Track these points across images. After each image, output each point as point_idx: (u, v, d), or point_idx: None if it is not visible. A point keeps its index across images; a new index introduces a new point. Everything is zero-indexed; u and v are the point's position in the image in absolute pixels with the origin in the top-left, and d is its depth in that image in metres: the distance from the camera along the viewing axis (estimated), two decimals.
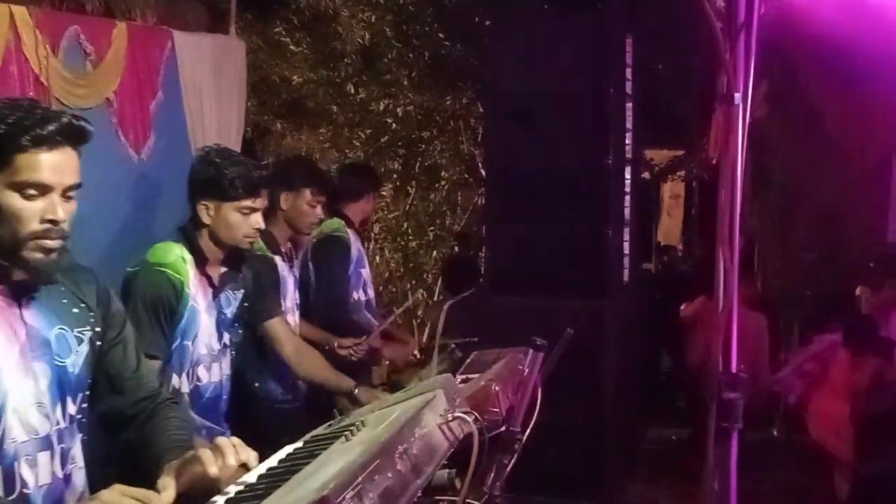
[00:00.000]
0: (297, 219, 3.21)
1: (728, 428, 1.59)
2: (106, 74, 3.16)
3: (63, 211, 1.44)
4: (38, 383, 1.47)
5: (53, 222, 1.43)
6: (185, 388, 2.37)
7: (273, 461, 1.45)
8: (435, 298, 6.57)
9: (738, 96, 1.45)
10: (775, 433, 4.87)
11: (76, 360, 1.54)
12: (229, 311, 2.51)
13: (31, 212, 1.42)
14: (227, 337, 2.51)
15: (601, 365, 3.89)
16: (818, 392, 3.62)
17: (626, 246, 4.26)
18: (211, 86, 3.77)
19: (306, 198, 3.17)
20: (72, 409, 1.54)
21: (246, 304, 2.61)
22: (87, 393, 1.59)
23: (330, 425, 1.65)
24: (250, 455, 1.41)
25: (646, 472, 4.66)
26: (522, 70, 3.97)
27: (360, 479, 1.12)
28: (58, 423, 1.50)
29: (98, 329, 1.60)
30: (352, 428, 1.42)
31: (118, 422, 1.66)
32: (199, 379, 2.41)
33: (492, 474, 1.75)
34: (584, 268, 3.92)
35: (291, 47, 6.45)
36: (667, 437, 5.16)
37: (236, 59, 4.01)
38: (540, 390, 2.18)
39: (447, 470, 1.40)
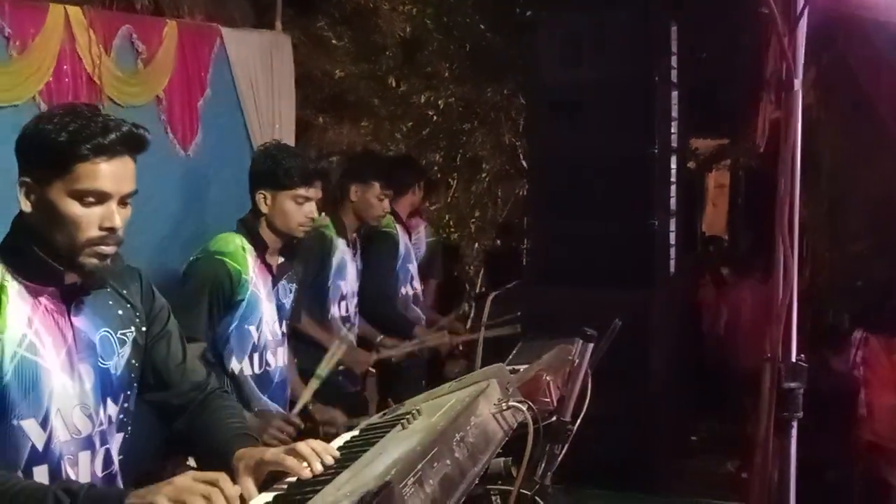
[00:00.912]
0: (365, 210, 3.37)
1: (788, 418, 1.57)
2: (156, 73, 3.22)
3: (120, 218, 1.46)
4: (82, 385, 1.49)
5: (111, 230, 1.45)
6: (249, 372, 2.45)
7: (339, 442, 1.48)
8: (477, 290, 6.58)
9: (797, 83, 1.43)
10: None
11: (118, 361, 1.56)
12: (287, 302, 2.60)
13: (90, 219, 1.44)
14: (286, 325, 2.59)
15: (649, 356, 3.86)
16: (870, 387, 3.56)
17: (673, 237, 4.21)
18: (263, 81, 3.83)
19: (375, 191, 3.35)
20: (112, 410, 1.55)
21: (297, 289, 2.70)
22: (129, 393, 1.60)
23: (384, 414, 1.67)
24: (333, 456, 1.39)
25: (694, 463, 4.61)
26: (566, 60, 3.94)
27: (420, 465, 1.14)
28: (100, 424, 1.52)
29: (144, 329, 1.62)
30: (408, 416, 1.45)
31: (168, 413, 1.69)
32: (268, 364, 2.49)
33: (543, 464, 1.76)
34: (629, 259, 3.88)
35: (333, 41, 6.49)
36: (716, 430, 5.10)
37: (284, 53, 4.05)
38: (590, 380, 2.18)
39: (503, 458, 1.41)
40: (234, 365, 2.44)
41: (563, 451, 1.87)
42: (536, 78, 4.28)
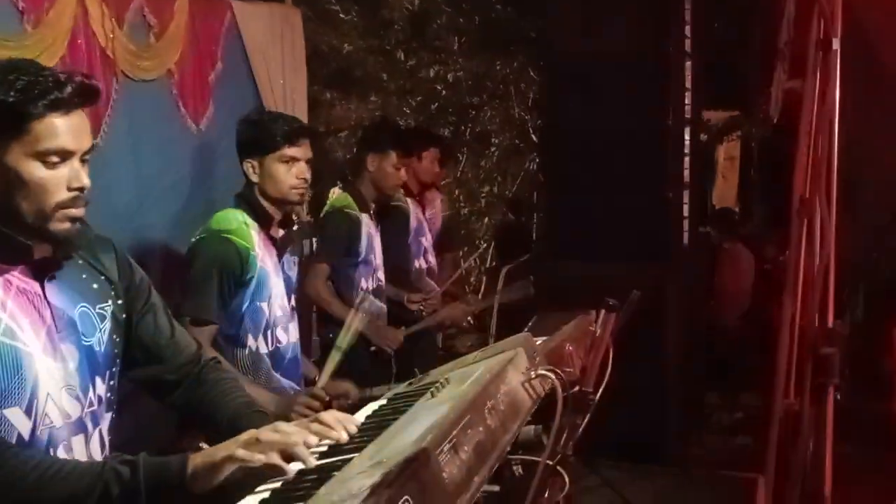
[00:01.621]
0: (382, 180, 3.36)
1: (825, 384, 1.56)
2: (168, 46, 3.19)
3: (86, 176, 1.38)
4: (66, 365, 1.41)
5: (81, 189, 1.37)
6: (264, 350, 2.40)
7: (360, 417, 1.48)
8: (487, 265, 6.58)
9: (836, 42, 1.40)
10: (838, 397, 4.78)
11: (101, 337, 1.48)
12: (292, 275, 2.57)
13: (57, 181, 1.35)
14: (293, 299, 2.55)
15: (664, 329, 3.85)
16: None
17: (686, 209, 4.18)
18: (274, 55, 3.79)
19: (392, 160, 3.33)
20: (101, 389, 1.48)
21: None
22: (114, 370, 1.52)
23: (411, 383, 1.67)
24: (355, 424, 1.38)
25: (709, 437, 4.63)
26: (580, 32, 3.91)
27: (454, 432, 1.13)
28: (90, 405, 1.45)
29: (120, 302, 1.54)
30: (437, 385, 1.44)
31: (163, 389, 1.63)
32: (279, 340, 2.44)
33: (565, 434, 1.75)
34: (643, 232, 3.87)
35: (341, 15, 6.44)
36: (728, 403, 5.11)
37: (295, 27, 4.01)
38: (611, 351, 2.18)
39: (533, 426, 1.41)
40: (251, 343, 2.38)
41: (585, 422, 1.88)
42: (549, 50, 4.24)
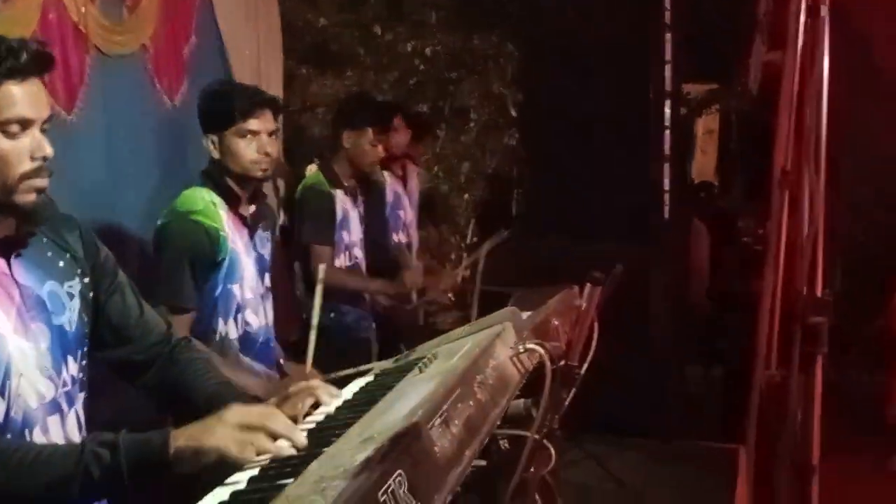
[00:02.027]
0: (359, 157, 3.29)
1: (813, 353, 1.56)
2: (141, 20, 3.12)
3: (48, 146, 1.35)
4: (38, 345, 1.38)
5: (45, 159, 1.34)
6: (234, 334, 2.30)
7: (348, 393, 1.46)
8: (468, 242, 6.55)
9: (824, 9, 1.39)
10: None
11: (71, 316, 1.45)
12: (265, 253, 2.45)
13: (19, 151, 1.32)
14: (268, 279, 2.44)
15: (646, 303, 3.88)
16: None
17: (667, 183, 4.20)
18: (249, 29, 3.73)
19: (368, 137, 3.26)
20: (73, 369, 1.45)
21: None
22: (84, 350, 1.50)
23: (397, 360, 1.66)
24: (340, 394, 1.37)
25: (690, 410, 4.68)
26: (559, 7, 3.88)
27: (445, 406, 1.13)
28: (64, 385, 1.43)
29: (87, 280, 1.50)
30: (424, 360, 1.43)
31: (133, 370, 1.60)
32: (248, 324, 2.33)
33: (551, 409, 1.75)
34: (624, 207, 3.89)
35: None
36: (707, 376, 5.16)
37: (269, 1, 3.95)
38: (596, 325, 2.18)
39: (522, 400, 1.40)
40: (221, 328, 2.28)
41: (571, 396, 1.88)
42: (530, 25, 4.21)
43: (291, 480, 1.02)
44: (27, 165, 1.33)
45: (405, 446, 0.98)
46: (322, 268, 2.77)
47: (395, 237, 3.86)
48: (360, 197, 3.42)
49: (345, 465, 0.96)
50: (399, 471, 0.93)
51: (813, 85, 1.44)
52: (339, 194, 3.25)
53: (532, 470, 1.54)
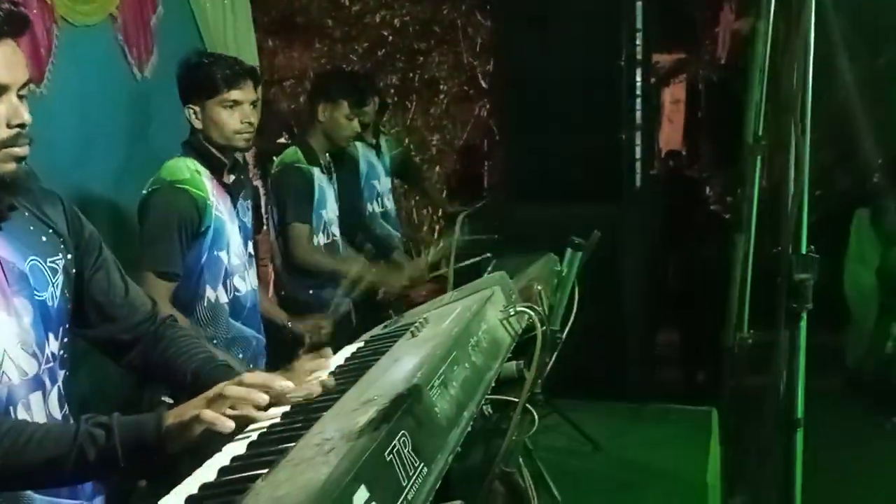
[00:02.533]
0: (334, 131, 3.27)
1: (798, 310, 1.60)
2: None
3: (26, 112, 1.30)
4: (21, 321, 1.36)
5: (22, 126, 1.30)
6: (224, 299, 2.36)
7: (339, 359, 1.47)
8: (440, 213, 6.57)
9: None
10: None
11: (53, 292, 1.42)
12: (247, 221, 2.51)
13: None
14: (251, 246, 2.50)
15: (618, 269, 3.91)
16: None
17: (638, 151, 4.22)
18: (217, 1, 3.66)
19: (343, 110, 3.25)
20: (55, 346, 1.43)
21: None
22: (67, 327, 1.48)
23: (386, 326, 1.67)
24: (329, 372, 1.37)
25: (660, 375, 4.76)
26: None
27: (443, 368, 1.14)
28: (47, 362, 1.41)
29: (70, 256, 1.48)
30: (416, 325, 1.44)
31: (117, 349, 1.58)
32: (237, 289, 2.40)
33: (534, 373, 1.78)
34: (596, 173, 3.90)
35: None
36: (676, 341, 5.25)
37: None
38: (577, 290, 2.21)
39: (514, 362, 1.42)
40: (209, 294, 2.33)
41: (552, 361, 1.90)
42: None
43: (293, 444, 1.03)
44: (3, 133, 1.30)
45: (407, 407, 0.99)
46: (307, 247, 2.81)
47: (370, 207, 3.85)
48: (333, 173, 3.40)
49: (348, 427, 0.97)
50: (403, 431, 0.94)
51: (798, 45, 1.46)
52: (317, 172, 3.23)
53: (515, 435, 1.57)
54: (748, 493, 2.86)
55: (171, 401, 1.96)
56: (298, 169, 3.20)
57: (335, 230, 3.31)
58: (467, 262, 3.75)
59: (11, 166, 1.32)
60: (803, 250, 1.60)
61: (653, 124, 6.16)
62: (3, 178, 1.32)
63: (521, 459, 1.67)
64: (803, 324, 1.63)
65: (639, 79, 4.24)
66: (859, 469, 3.09)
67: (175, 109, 3.50)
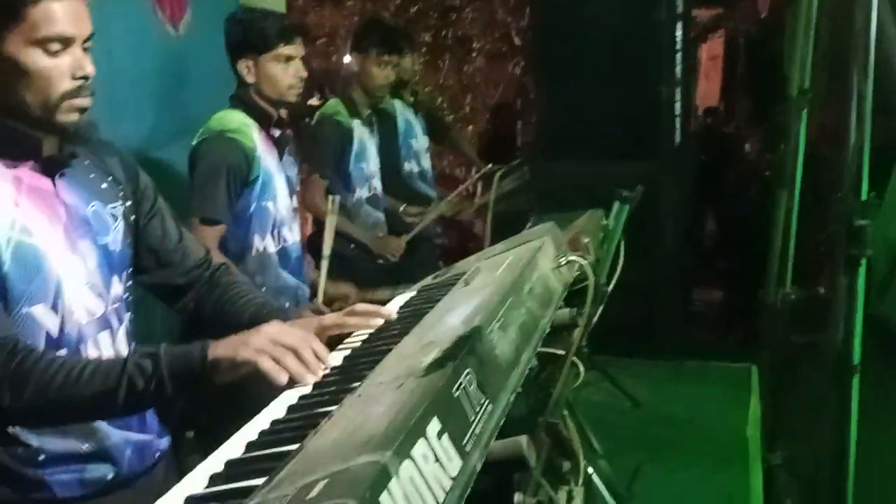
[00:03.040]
0: (367, 81, 3.30)
1: (857, 256, 1.59)
2: None
3: (90, 64, 1.34)
4: (86, 263, 1.41)
5: (86, 78, 1.34)
6: (272, 249, 2.41)
7: (393, 308, 1.49)
8: (473, 172, 6.54)
9: None
10: (822, 291, 4.88)
11: (115, 237, 1.47)
12: (293, 174, 2.56)
13: (61, 69, 1.32)
14: (295, 199, 2.55)
15: (657, 226, 3.90)
16: None
17: (678, 107, 4.17)
18: None
19: (372, 58, 3.25)
20: (119, 288, 1.48)
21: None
22: (130, 270, 1.53)
23: (436, 276, 1.68)
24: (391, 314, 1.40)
25: (695, 331, 4.74)
26: None
27: (501, 312, 1.15)
28: (113, 303, 1.46)
29: (129, 203, 1.52)
30: (469, 274, 1.46)
31: (172, 293, 1.62)
32: (285, 240, 2.45)
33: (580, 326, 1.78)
34: (634, 130, 3.86)
35: None
36: (713, 298, 5.22)
37: None
38: (623, 243, 2.21)
39: (567, 309, 1.43)
40: (258, 244, 2.40)
41: (598, 314, 1.91)
42: None
43: (357, 384, 1.05)
44: (68, 84, 1.33)
45: (470, 348, 1.00)
46: (334, 199, 2.80)
47: (406, 166, 3.85)
48: (375, 125, 3.41)
49: (414, 367, 0.99)
50: (468, 369, 0.96)
51: None
52: (357, 124, 3.25)
53: (561, 388, 1.58)
54: (790, 447, 2.87)
55: None
56: (337, 122, 3.23)
57: (377, 183, 3.35)
58: (509, 187, 3.76)
59: (75, 117, 1.35)
60: (863, 196, 1.58)
61: (691, 80, 6.07)
62: (67, 128, 1.36)
63: (564, 412, 1.69)
64: (862, 269, 1.61)
65: (678, 33, 4.17)
66: None
67: (210, 65, 3.50)
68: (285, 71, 2.37)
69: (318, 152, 3.26)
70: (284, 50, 2.36)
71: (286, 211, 2.45)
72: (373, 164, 3.32)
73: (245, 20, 2.42)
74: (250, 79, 2.39)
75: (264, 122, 2.40)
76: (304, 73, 2.42)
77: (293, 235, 2.49)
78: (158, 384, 1.22)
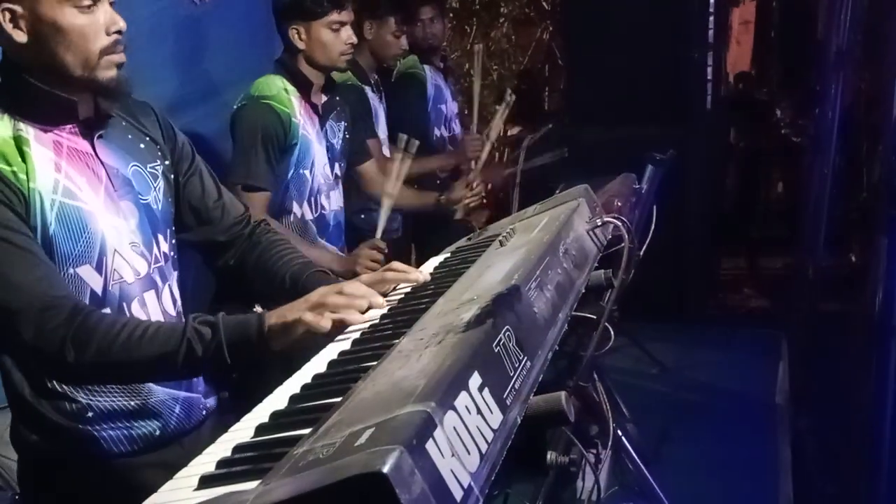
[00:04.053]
0: (382, 49, 3.24)
1: None
2: None
3: (121, 19, 1.36)
4: (128, 222, 1.43)
5: (119, 32, 1.35)
6: (309, 216, 2.43)
7: (428, 268, 1.50)
8: (501, 135, 6.50)
9: None
10: (853, 259, 4.83)
11: (157, 196, 1.49)
12: (336, 142, 2.54)
13: (96, 26, 1.33)
14: (337, 167, 2.54)
15: (685, 192, 3.87)
16: None
17: (710, 71, 4.12)
18: None
19: (390, 27, 3.20)
20: (164, 246, 1.50)
21: (347, 137, 2.63)
22: (173, 229, 1.55)
23: (470, 238, 1.69)
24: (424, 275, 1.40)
25: (725, 298, 4.73)
26: None
27: (538, 271, 1.16)
28: (156, 262, 1.47)
29: (168, 162, 1.54)
30: (504, 235, 1.46)
31: (214, 251, 1.63)
32: (322, 207, 2.46)
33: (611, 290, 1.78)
34: (665, 94, 3.83)
35: None
36: (742, 265, 5.18)
37: None
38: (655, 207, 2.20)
39: (602, 270, 1.43)
40: (296, 210, 2.41)
41: (630, 277, 1.91)
42: None
43: (397, 340, 1.07)
44: (104, 40, 1.35)
45: (509, 305, 1.01)
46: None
47: (436, 132, 3.83)
48: (382, 92, 3.38)
49: (453, 323, 1.00)
50: (507, 326, 0.97)
51: None
52: (368, 91, 3.22)
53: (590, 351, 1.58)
54: (820, 415, 2.86)
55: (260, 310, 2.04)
56: (353, 87, 3.20)
57: (386, 151, 3.31)
58: (540, 161, 3.72)
59: (113, 72, 1.37)
60: None
61: (722, 45, 5.98)
62: (107, 85, 1.37)
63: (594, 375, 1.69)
64: None
65: None
66: None
67: (232, 34, 3.50)
68: (337, 37, 2.36)
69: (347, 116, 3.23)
70: (336, 16, 2.36)
71: (324, 179, 2.46)
72: (381, 131, 3.29)
73: None
74: (300, 45, 2.38)
75: (305, 88, 2.40)
76: (355, 40, 2.41)
77: (331, 203, 2.50)
78: (217, 351, 1.24)
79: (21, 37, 1.32)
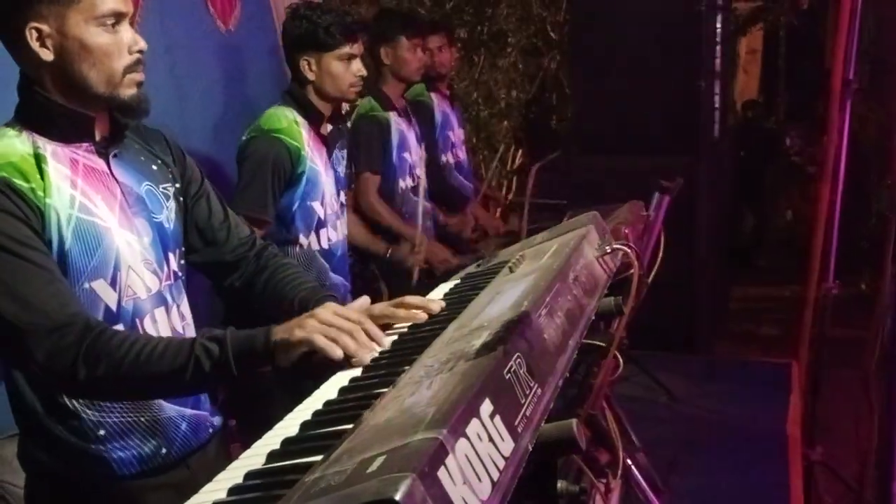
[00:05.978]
0: (402, 69, 3.28)
1: None
2: None
3: (142, 39, 1.41)
4: (142, 240, 1.46)
5: (141, 52, 1.41)
6: (316, 247, 2.43)
7: (438, 295, 1.50)
8: (509, 167, 6.55)
9: None
10: (864, 287, 4.82)
11: (168, 215, 1.53)
12: (341, 170, 2.57)
13: (120, 45, 1.38)
14: (342, 196, 2.56)
15: (694, 221, 3.87)
16: None
17: (717, 99, 4.13)
18: None
19: (404, 45, 3.24)
20: (174, 265, 1.54)
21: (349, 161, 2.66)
22: (183, 249, 1.59)
23: (479, 264, 1.69)
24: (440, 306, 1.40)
25: (734, 328, 4.71)
26: None
27: (548, 298, 1.16)
28: (168, 279, 1.51)
29: (178, 185, 1.58)
30: (514, 261, 1.46)
31: (221, 271, 1.66)
32: (330, 239, 2.46)
33: (619, 318, 1.78)
34: (673, 123, 3.83)
35: None
36: (750, 295, 5.17)
37: None
38: (663, 235, 2.20)
39: (612, 297, 1.43)
40: (303, 240, 2.42)
41: (639, 305, 1.90)
42: None
43: (408, 367, 1.07)
44: (127, 59, 1.40)
45: (520, 332, 1.01)
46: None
47: (444, 158, 3.86)
48: (412, 116, 3.42)
49: (464, 349, 1.00)
50: (518, 353, 0.97)
51: None
52: (394, 116, 3.26)
53: (600, 379, 1.58)
54: (832, 445, 2.84)
55: None
56: (373, 118, 3.23)
57: (420, 172, 3.34)
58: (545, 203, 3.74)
59: (134, 90, 1.42)
60: None
61: (730, 74, 6.01)
62: (129, 102, 1.42)
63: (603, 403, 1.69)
64: None
65: (719, 25, 4.13)
66: None
67: (261, 63, 3.56)
68: (347, 69, 2.37)
69: (363, 151, 3.23)
70: (347, 49, 2.36)
71: (331, 210, 2.46)
72: (414, 153, 3.33)
73: (308, 16, 2.39)
74: (310, 76, 2.38)
75: (314, 119, 2.41)
76: (364, 72, 2.41)
77: (337, 234, 2.50)
78: (224, 366, 1.26)
79: (48, 55, 1.36)
